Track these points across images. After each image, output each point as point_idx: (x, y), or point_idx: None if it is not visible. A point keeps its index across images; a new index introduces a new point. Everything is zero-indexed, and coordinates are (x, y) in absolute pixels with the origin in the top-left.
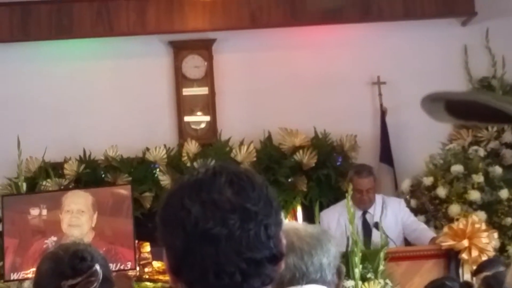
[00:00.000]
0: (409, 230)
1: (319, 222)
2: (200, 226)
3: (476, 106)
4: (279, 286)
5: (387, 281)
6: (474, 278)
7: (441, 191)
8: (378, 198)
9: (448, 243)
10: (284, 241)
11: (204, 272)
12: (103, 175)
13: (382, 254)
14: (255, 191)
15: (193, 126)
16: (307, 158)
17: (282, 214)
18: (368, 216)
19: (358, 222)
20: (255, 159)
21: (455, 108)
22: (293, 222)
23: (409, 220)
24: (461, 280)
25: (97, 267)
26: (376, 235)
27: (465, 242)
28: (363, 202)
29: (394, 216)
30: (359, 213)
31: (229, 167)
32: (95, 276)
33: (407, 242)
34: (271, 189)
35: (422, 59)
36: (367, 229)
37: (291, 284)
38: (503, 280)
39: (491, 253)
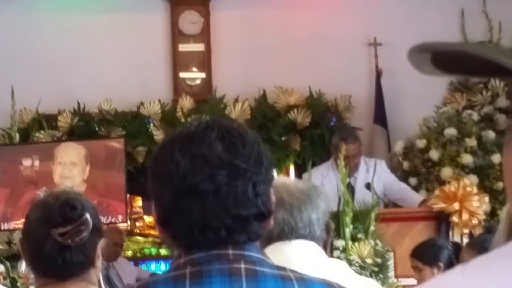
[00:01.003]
0: (391, 191)
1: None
2: (187, 180)
3: (465, 58)
4: (267, 241)
5: (377, 241)
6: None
7: (434, 154)
8: (362, 161)
9: (439, 205)
10: (273, 199)
11: (189, 226)
12: (96, 128)
13: (373, 215)
14: (246, 148)
15: (188, 82)
16: (301, 117)
17: (273, 171)
18: (352, 179)
19: (341, 185)
20: (249, 116)
21: (442, 60)
22: (283, 178)
23: (389, 180)
24: None
25: (88, 216)
26: (358, 197)
27: (456, 205)
28: (349, 168)
29: (376, 177)
30: None
31: (221, 122)
32: (85, 225)
33: (396, 204)
34: (263, 146)
35: (419, 22)
36: (350, 192)
37: (279, 239)
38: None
39: (482, 217)
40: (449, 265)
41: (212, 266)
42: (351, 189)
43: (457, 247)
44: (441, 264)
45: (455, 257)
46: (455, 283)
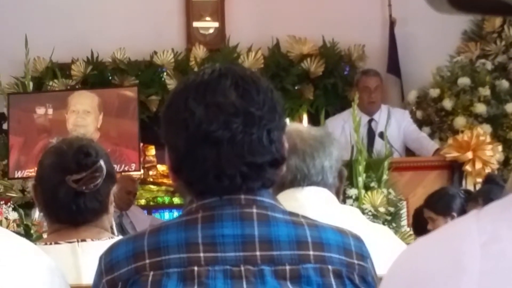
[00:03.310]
0: (410, 139)
1: None
2: (203, 128)
3: None
4: (280, 188)
5: (390, 190)
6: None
7: (447, 103)
8: (384, 108)
9: (452, 154)
10: (286, 145)
11: (204, 173)
12: (110, 78)
13: (386, 164)
14: (260, 95)
15: (201, 31)
16: (315, 67)
17: (286, 118)
18: (373, 124)
19: (363, 130)
20: (262, 66)
21: None
22: (297, 124)
23: (410, 128)
24: None
25: (102, 162)
26: (379, 144)
27: (469, 154)
28: (370, 102)
29: (397, 125)
30: (365, 120)
31: (235, 69)
32: (100, 172)
33: (408, 153)
34: (276, 93)
35: None
36: (371, 137)
37: (292, 185)
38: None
39: (495, 166)
40: (462, 214)
41: (224, 211)
42: (371, 134)
43: (469, 195)
44: (455, 214)
45: (468, 205)
46: (469, 229)
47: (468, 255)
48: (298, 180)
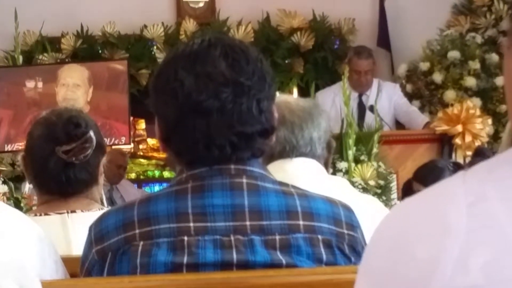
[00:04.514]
0: (400, 112)
1: None
2: (192, 98)
3: None
4: (269, 159)
5: (380, 163)
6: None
7: (437, 77)
8: (375, 81)
9: (442, 127)
10: (276, 115)
11: (194, 143)
12: (100, 51)
13: (376, 137)
14: (249, 65)
15: (191, 5)
16: (305, 40)
17: (275, 88)
18: (364, 98)
19: (354, 103)
20: (252, 39)
21: None
22: (285, 96)
23: (401, 102)
24: None
25: (91, 133)
26: (369, 118)
27: (459, 127)
28: (360, 84)
29: (388, 99)
30: (355, 95)
31: (224, 39)
32: (90, 142)
33: (399, 126)
34: (266, 63)
35: None
36: (361, 111)
37: (281, 156)
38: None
39: (485, 139)
40: None
41: (214, 180)
42: (362, 108)
43: (458, 167)
44: None
45: None
46: (455, 190)
47: (454, 215)
48: (287, 151)
